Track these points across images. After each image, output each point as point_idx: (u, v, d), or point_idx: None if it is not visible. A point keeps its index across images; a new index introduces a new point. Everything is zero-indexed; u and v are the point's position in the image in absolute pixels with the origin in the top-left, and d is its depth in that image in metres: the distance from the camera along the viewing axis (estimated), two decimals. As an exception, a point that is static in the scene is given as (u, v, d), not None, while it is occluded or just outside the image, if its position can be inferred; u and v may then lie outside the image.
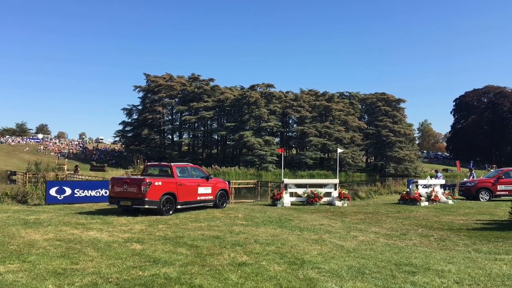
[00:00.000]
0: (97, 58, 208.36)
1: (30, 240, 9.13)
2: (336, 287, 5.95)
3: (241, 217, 13.77)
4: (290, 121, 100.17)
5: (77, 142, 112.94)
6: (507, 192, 22.30)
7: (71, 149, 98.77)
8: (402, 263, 7.55)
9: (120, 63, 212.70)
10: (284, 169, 24.43)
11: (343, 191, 20.22)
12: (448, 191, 22.77)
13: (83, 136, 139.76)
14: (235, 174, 77.54)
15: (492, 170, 49.33)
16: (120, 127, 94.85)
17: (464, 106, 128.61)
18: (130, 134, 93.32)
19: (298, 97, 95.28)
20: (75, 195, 17.50)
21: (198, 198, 15.64)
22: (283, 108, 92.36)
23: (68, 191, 17.34)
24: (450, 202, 20.75)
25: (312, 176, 77.20)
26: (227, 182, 18.66)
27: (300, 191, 19.97)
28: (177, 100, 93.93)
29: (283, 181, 19.87)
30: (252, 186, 35.29)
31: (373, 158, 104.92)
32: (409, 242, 10.20)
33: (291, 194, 19.92)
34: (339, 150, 25.29)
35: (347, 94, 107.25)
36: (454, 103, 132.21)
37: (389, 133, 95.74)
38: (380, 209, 17.89)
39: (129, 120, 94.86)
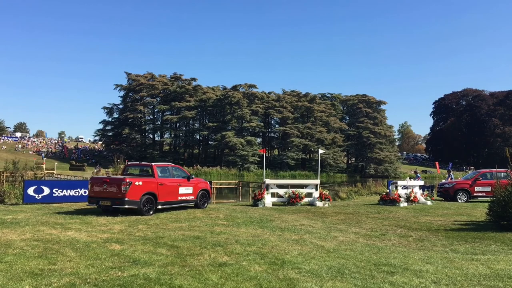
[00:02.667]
0: (77, 56, 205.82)
1: (7, 240, 8.96)
2: (316, 287, 5.98)
3: (222, 218, 13.74)
4: (272, 122, 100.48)
5: (56, 141, 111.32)
6: (484, 193, 22.67)
7: (50, 148, 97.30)
8: (381, 263, 7.63)
9: (100, 61, 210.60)
10: (265, 169, 24.47)
11: (324, 192, 20.33)
12: (427, 192, 23.08)
13: (63, 135, 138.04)
14: (216, 174, 77.43)
15: (469, 172, 50.20)
16: (101, 126, 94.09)
17: (443, 108, 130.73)
18: (110, 133, 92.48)
19: (280, 98, 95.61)
20: (54, 195, 17.22)
21: (179, 198, 15.55)
22: (265, 108, 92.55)
23: (46, 191, 17.06)
24: (429, 203, 21.02)
25: (293, 177, 77.55)
26: (208, 182, 18.59)
27: (281, 191, 20.01)
28: (158, 99, 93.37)
29: (264, 182, 19.89)
30: (233, 186, 35.26)
31: (354, 159, 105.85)
32: (388, 243, 10.31)
33: (273, 195, 19.95)
34: (321, 151, 25.42)
35: (328, 95, 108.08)
36: (433, 106, 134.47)
37: (369, 135, 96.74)
38: (360, 209, 18.04)
39: (110, 119, 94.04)
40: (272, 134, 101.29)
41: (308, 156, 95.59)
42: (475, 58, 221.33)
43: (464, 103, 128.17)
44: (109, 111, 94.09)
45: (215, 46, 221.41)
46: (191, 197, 16.10)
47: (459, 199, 23.15)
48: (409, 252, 8.96)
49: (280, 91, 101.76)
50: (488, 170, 25.57)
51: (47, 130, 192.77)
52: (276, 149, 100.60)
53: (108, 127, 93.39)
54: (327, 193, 20.81)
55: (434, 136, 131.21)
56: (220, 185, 36.44)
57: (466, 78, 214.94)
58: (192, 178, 16.46)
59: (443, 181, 29.39)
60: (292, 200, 19.33)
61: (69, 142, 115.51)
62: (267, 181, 19.95)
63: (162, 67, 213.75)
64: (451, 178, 30.22)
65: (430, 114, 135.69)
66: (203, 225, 12.02)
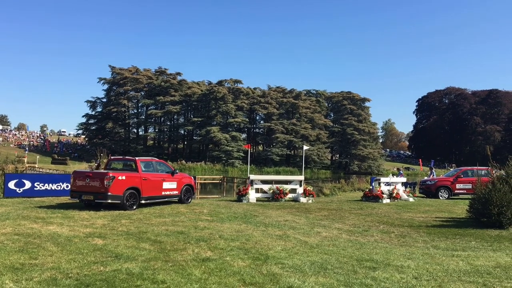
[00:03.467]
0: (60, 48, 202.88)
1: (-14, 235, 8.82)
2: (298, 282, 6.00)
3: (206, 213, 13.72)
4: (257, 118, 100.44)
5: (38, 134, 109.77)
6: (465, 191, 23.01)
7: (32, 141, 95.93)
8: (364, 258, 7.70)
9: (84, 54, 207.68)
10: (250, 165, 24.48)
11: (308, 188, 20.43)
12: (409, 189, 23.33)
13: (45, 128, 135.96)
14: (201, 169, 77.21)
15: (451, 169, 50.85)
16: (84, 120, 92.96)
17: (426, 106, 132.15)
18: (93, 127, 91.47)
19: (265, 94, 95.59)
20: (35, 189, 17.02)
21: (163, 193, 15.47)
22: (250, 104, 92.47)
23: (27, 184, 16.84)
24: (411, 199, 21.27)
25: (278, 173, 77.63)
26: (192, 178, 18.54)
27: (265, 187, 20.05)
28: (143, 93, 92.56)
29: (249, 177, 19.90)
30: (218, 181, 35.21)
31: (338, 155, 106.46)
32: (370, 238, 10.41)
33: (257, 190, 19.97)
34: (305, 147, 25.53)
35: (314, 92, 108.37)
36: (416, 103, 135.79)
37: (354, 132, 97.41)
38: (344, 205, 18.17)
39: (93, 113, 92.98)
40: (257, 130, 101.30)
41: (292, 152, 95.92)
42: (459, 56, 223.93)
43: (447, 101, 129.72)
44: (93, 104, 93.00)
45: (201, 40, 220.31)
46: (175, 192, 16.03)
47: (441, 196, 23.45)
48: (391, 248, 9.06)
49: (266, 87, 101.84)
50: (469, 167, 25.94)
51: (29, 123, 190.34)
52: (261, 145, 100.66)
53: (91, 121, 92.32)
54: (311, 189, 20.91)
55: (417, 133, 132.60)
56: (205, 180, 36.34)
57: (449, 76, 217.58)
58: (176, 173, 16.39)
59: (425, 178, 29.78)
60: (276, 196, 19.39)
61: (51, 135, 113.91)
62: (252, 176, 19.97)
63: (146, 61, 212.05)
64: (433, 175, 30.64)
65: (413, 112, 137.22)
66: (187, 220, 11.99)
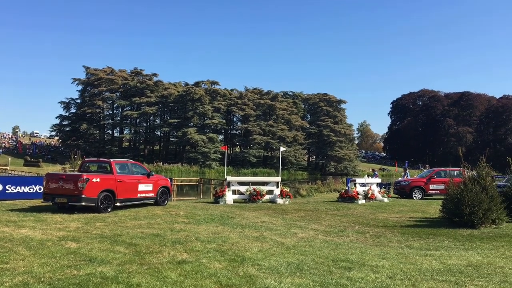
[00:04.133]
0: (32, 48, 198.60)
1: (-45, 239, 8.57)
2: (275, 283, 6.02)
3: (182, 215, 13.63)
4: (235, 119, 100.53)
5: (10, 136, 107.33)
6: (438, 191, 23.44)
7: (4, 143, 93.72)
8: (339, 259, 7.76)
9: (57, 54, 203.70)
10: (227, 166, 24.44)
11: (285, 189, 20.52)
12: (384, 189, 23.66)
13: (17, 130, 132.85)
14: (177, 171, 76.80)
15: (425, 170, 51.78)
16: (57, 121, 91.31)
17: (400, 108, 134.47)
18: (67, 129, 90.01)
19: (242, 95, 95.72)
20: (7, 191, 16.61)
21: (139, 195, 15.29)
22: (227, 105, 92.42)
23: (-2, 187, 16.44)
24: (386, 200, 21.57)
25: (255, 174, 77.80)
26: (169, 179, 18.40)
27: (242, 188, 20.05)
28: (118, 94, 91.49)
29: (226, 179, 19.88)
30: (194, 183, 35.13)
31: (314, 156, 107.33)
32: (346, 239, 10.52)
33: (234, 192, 19.97)
34: (282, 149, 25.58)
35: (290, 93, 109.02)
36: (391, 105, 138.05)
37: (330, 133, 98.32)
38: (320, 206, 18.31)
39: (67, 114, 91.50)
40: (234, 131, 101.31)
41: (269, 153, 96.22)
42: (432, 58, 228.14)
43: (420, 103, 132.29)
44: (66, 105, 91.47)
45: (176, 41, 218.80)
46: (151, 194, 15.87)
47: (415, 196, 23.83)
48: (366, 248, 9.16)
49: (243, 89, 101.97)
50: (442, 168, 26.46)
51: (0, 124, 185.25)
52: (238, 147, 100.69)
53: (65, 122, 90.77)
54: (288, 190, 21.02)
55: (392, 135, 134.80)
56: (181, 182, 36.18)
57: (423, 79, 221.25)
58: (152, 175, 16.23)
59: (400, 179, 30.26)
60: (253, 197, 19.40)
61: (23, 137, 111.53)
62: (229, 178, 19.95)
63: (122, 61, 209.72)
64: (407, 176, 31.17)
65: (388, 114, 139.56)
66: (163, 222, 11.89)
